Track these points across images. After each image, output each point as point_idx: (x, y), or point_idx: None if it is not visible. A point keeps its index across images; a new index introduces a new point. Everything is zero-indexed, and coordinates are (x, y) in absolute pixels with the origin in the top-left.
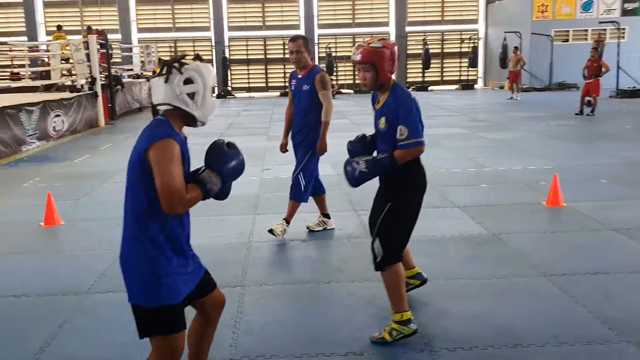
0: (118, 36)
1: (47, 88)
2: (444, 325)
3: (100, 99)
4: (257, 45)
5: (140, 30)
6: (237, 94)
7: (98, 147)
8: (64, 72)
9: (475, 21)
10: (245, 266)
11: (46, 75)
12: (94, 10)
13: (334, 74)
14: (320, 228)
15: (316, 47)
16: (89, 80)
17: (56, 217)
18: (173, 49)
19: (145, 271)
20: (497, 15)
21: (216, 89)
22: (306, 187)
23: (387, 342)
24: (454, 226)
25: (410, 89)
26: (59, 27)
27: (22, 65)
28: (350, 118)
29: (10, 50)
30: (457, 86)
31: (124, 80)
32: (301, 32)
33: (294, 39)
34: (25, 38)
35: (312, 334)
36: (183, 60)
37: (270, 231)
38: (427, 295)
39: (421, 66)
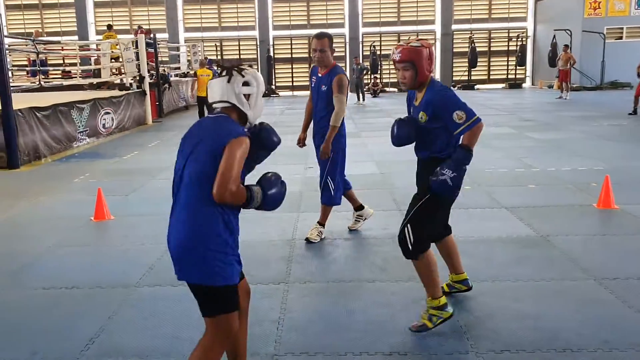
0: (165, 35)
1: (97, 86)
2: (491, 327)
3: (148, 97)
4: (301, 44)
5: (187, 29)
6: (281, 93)
7: (146, 145)
8: (114, 70)
9: (523, 19)
10: (288, 263)
11: (97, 73)
12: (143, 9)
13: (378, 72)
14: (360, 224)
15: (360, 46)
16: (138, 78)
17: (106, 212)
18: (219, 48)
19: (217, 250)
20: (547, 13)
21: None
22: (336, 189)
23: (428, 329)
24: (501, 227)
25: (456, 88)
26: (110, 27)
27: (74, 64)
28: (394, 117)
29: (62, 49)
30: (504, 85)
31: (171, 78)
32: (346, 30)
33: (319, 36)
34: (76, 37)
35: (356, 333)
36: (242, 66)
37: (307, 240)
38: (474, 296)
39: (467, 65)
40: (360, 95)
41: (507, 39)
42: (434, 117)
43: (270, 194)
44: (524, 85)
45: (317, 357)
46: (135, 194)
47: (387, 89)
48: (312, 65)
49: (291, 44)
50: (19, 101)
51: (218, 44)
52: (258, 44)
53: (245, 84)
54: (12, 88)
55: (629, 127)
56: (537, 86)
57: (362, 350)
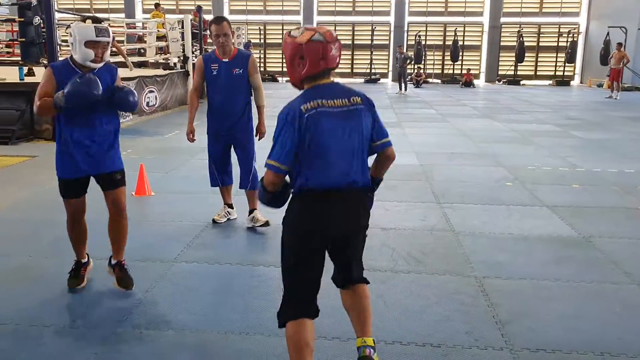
0: (211, 17)
1: (142, 64)
2: (527, 325)
3: (191, 77)
4: (345, 30)
5: (232, 12)
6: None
7: (186, 124)
8: (159, 49)
9: (576, 14)
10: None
11: (142, 52)
12: None
13: (422, 62)
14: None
15: (405, 35)
16: (182, 58)
17: (147, 188)
18: (263, 32)
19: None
20: (602, 9)
21: None
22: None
23: None
24: (542, 226)
25: (501, 83)
26: (157, 5)
27: (120, 42)
28: (436, 108)
29: (110, 26)
30: (551, 82)
31: None
32: (391, 19)
33: (219, 20)
34: (122, 15)
35: (389, 322)
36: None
37: (266, 224)
38: (511, 293)
39: (514, 59)
40: (403, 85)
41: (557, 35)
42: None
43: (67, 92)
44: (572, 83)
45: (348, 343)
46: (175, 172)
47: (430, 80)
48: (201, 54)
49: (335, 30)
50: None
51: (262, 27)
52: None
53: (69, 34)
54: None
55: None
56: (585, 84)
57: (395, 340)
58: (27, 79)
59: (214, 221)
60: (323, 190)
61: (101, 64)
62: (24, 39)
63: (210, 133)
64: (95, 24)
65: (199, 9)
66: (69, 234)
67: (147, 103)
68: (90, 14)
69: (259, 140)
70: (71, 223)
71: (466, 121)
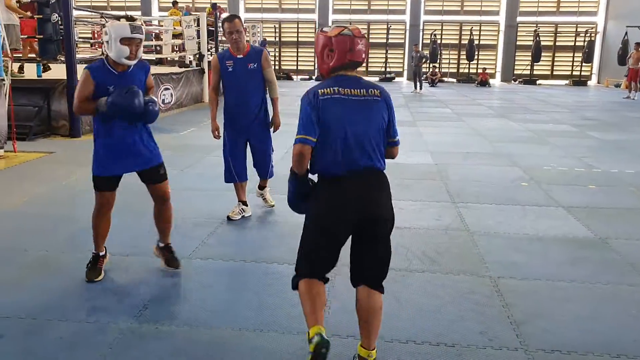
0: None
1: (158, 62)
2: (542, 326)
3: (206, 75)
4: (360, 29)
5: (247, 10)
6: None
7: (202, 122)
8: (175, 47)
9: (594, 13)
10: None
11: (158, 50)
12: None
13: (438, 61)
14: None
15: (420, 34)
16: (197, 56)
17: None
18: (278, 30)
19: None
20: (620, 8)
21: (315, 70)
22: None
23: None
24: (557, 226)
25: (516, 82)
26: (175, 3)
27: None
28: (451, 107)
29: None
30: (567, 82)
31: None
32: (407, 17)
33: (231, 18)
34: (139, 13)
35: (403, 321)
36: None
37: (271, 206)
38: (526, 293)
39: (530, 58)
40: (418, 83)
41: (574, 34)
42: None
43: (110, 102)
44: (589, 83)
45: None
46: (191, 169)
47: (445, 79)
48: (214, 53)
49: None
50: None
51: (277, 25)
52: (316, 27)
53: (104, 33)
54: (76, 59)
55: None
56: (602, 84)
57: (409, 339)
58: (45, 75)
59: (228, 218)
60: (336, 175)
61: (135, 61)
62: (42, 36)
63: (228, 128)
64: (129, 22)
65: (214, 6)
66: (93, 225)
67: (163, 100)
68: (124, 13)
69: (274, 132)
70: (98, 215)
71: (481, 120)
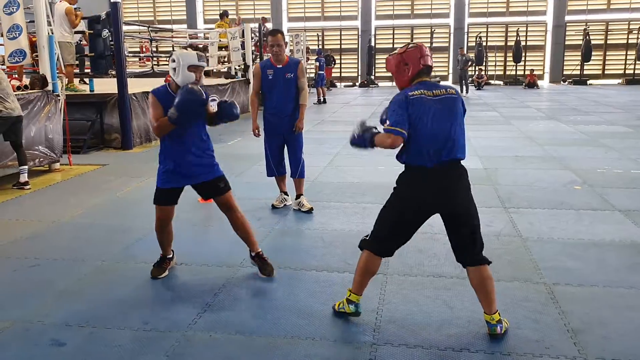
0: (270, 25)
1: (205, 74)
2: (601, 333)
3: (251, 86)
4: (403, 34)
5: (290, 19)
6: (381, 84)
7: (248, 131)
8: (221, 58)
9: None
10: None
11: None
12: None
13: (484, 64)
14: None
15: (466, 37)
16: (242, 67)
17: None
18: (320, 38)
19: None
20: None
21: (359, 77)
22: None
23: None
24: (614, 231)
25: (566, 83)
26: (222, 16)
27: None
28: (499, 110)
29: (173, 37)
30: (620, 81)
31: None
32: (451, 20)
33: (275, 32)
34: (185, 26)
35: (457, 329)
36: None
37: (310, 209)
38: (582, 301)
39: (580, 58)
40: (464, 87)
41: (626, 31)
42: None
43: (177, 102)
44: None
45: (416, 350)
46: (238, 179)
47: (491, 82)
48: (257, 62)
49: (393, 34)
50: (133, 85)
51: (320, 33)
52: (360, 34)
53: (172, 60)
54: (126, 73)
55: None
56: None
57: (463, 347)
58: (97, 89)
59: (273, 206)
60: (420, 167)
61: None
62: (93, 52)
63: (268, 130)
64: (196, 51)
65: (263, 20)
66: (157, 236)
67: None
68: (191, 44)
69: (295, 133)
70: (159, 229)
71: (530, 123)
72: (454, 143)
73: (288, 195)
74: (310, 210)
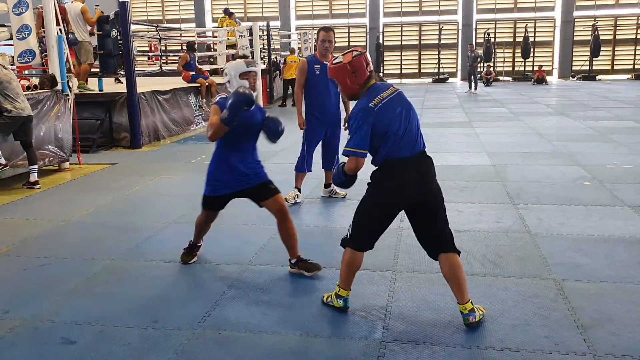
0: (278, 23)
1: (213, 72)
2: (611, 329)
3: (260, 84)
4: (411, 31)
5: (298, 17)
6: (389, 80)
7: None
8: (229, 57)
9: None
10: (396, 252)
11: (212, 60)
12: None
13: (492, 60)
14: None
15: (474, 33)
16: None
17: None
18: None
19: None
20: None
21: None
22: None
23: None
24: (624, 227)
25: (575, 79)
26: (231, 14)
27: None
28: (508, 107)
29: (181, 36)
30: (629, 76)
31: (282, 66)
32: (459, 17)
33: (329, 29)
34: (193, 25)
35: (465, 326)
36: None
37: (336, 192)
38: (592, 296)
39: (589, 53)
40: (473, 83)
41: (635, 26)
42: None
43: (229, 104)
44: None
45: (425, 347)
46: None
47: (500, 78)
48: (304, 57)
49: (401, 31)
50: (142, 85)
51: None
52: (368, 31)
53: (225, 74)
54: (135, 72)
55: None
56: None
57: (472, 344)
58: (106, 89)
59: (285, 200)
60: (401, 159)
61: (255, 92)
62: (102, 51)
63: (312, 126)
64: (244, 59)
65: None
66: (196, 225)
67: None
68: (241, 54)
69: (345, 129)
70: (202, 223)
71: (539, 119)
72: (420, 135)
73: (301, 193)
74: (344, 196)
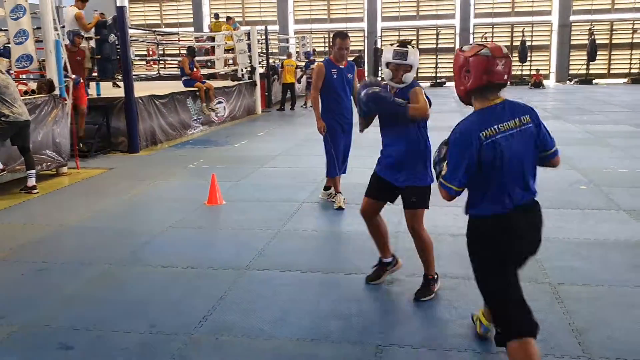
0: (276, 27)
1: (211, 76)
2: (605, 333)
3: (258, 88)
4: (409, 35)
5: (297, 21)
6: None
7: (255, 134)
8: (227, 61)
9: None
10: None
11: (210, 65)
12: (255, 2)
13: None
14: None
15: (471, 37)
16: (249, 69)
17: (218, 197)
18: (327, 40)
19: None
20: None
21: (366, 78)
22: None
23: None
24: (619, 231)
25: (572, 82)
26: (228, 19)
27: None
28: None
29: (179, 40)
30: (626, 80)
31: (280, 70)
32: (456, 21)
33: (346, 36)
34: (192, 29)
35: (462, 329)
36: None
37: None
38: (587, 300)
39: (586, 58)
40: None
41: (631, 31)
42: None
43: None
44: None
45: (421, 351)
46: (246, 181)
47: None
48: (320, 61)
49: (399, 35)
50: (140, 89)
51: (326, 35)
52: (366, 35)
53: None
54: (133, 76)
55: None
56: None
57: (468, 348)
58: (104, 94)
59: (340, 208)
60: (508, 211)
61: (402, 85)
62: (100, 56)
63: (334, 130)
64: (396, 47)
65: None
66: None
67: (217, 114)
68: (402, 39)
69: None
70: (366, 223)
71: None
72: (529, 181)
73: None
74: (340, 208)
